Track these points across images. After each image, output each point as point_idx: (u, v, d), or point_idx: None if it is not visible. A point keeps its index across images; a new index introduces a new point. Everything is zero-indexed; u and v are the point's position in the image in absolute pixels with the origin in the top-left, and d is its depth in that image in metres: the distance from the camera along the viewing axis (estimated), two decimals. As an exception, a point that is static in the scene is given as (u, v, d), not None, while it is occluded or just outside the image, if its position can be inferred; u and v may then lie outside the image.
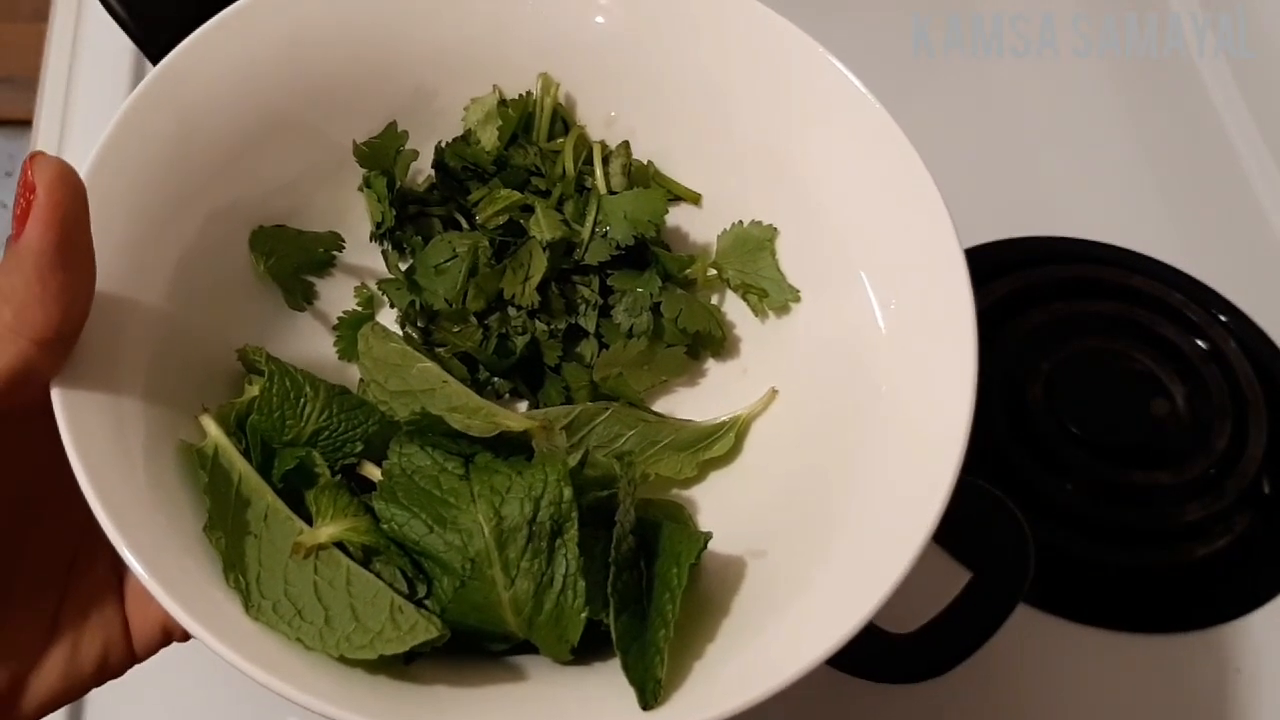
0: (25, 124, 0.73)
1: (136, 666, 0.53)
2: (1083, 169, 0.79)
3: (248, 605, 0.32)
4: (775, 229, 0.43)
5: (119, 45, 0.70)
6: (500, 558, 0.32)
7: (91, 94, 0.69)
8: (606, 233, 0.43)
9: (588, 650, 0.34)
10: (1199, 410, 0.65)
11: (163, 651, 0.53)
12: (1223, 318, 0.70)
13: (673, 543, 0.34)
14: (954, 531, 0.50)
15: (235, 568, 0.33)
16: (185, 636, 0.36)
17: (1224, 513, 0.62)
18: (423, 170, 0.46)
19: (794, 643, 0.32)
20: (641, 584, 0.34)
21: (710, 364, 0.44)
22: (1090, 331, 0.67)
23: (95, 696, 0.52)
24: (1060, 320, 0.67)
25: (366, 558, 0.34)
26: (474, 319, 0.43)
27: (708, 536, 0.35)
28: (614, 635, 0.32)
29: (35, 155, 0.30)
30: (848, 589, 0.33)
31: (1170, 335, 0.67)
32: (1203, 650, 0.60)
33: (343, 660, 0.32)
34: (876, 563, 0.33)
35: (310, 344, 0.43)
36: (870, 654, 0.43)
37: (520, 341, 0.42)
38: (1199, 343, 0.67)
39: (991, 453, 0.62)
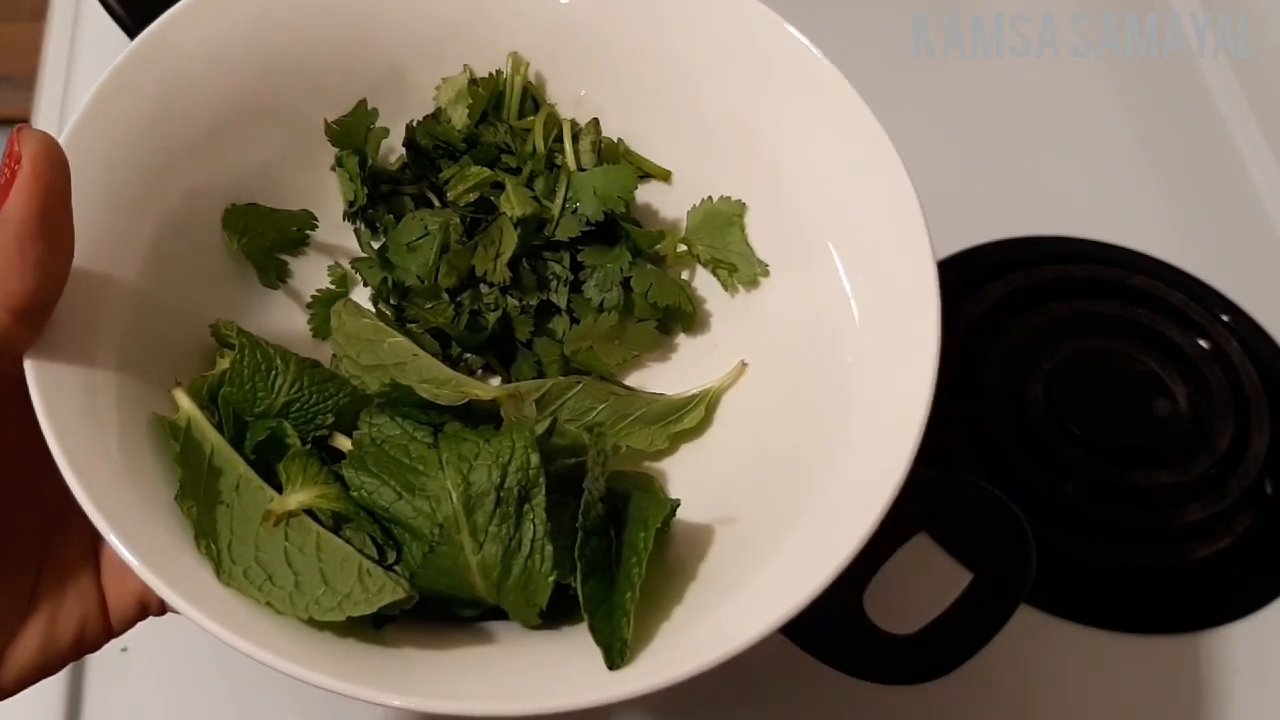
0: (23, 123, 0.73)
1: (135, 669, 0.53)
2: (1083, 169, 0.79)
3: (219, 571, 0.33)
4: (744, 204, 0.43)
5: (117, 44, 0.70)
6: (468, 523, 0.33)
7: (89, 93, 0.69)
8: (576, 209, 0.43)
9: (556, 615, 0.34)
10: (1200, 410, 0.65)
11: (160, 650, 0.53)
12: (1224, 317, 0.70)
13: (641, 509, 0.35)
14: (954, 532, 0.50)
15: (207, 535, 0.33)
16: (162, 610, 0.36)
17: (1225, 513, 0.62)
18: (395, 149, 0.46)
19: (754, 609, 0.33)
20: (611, 551, 0.34)
21: (681, 339, 0.45)
22: (1090, 331, 0.67)
23: (95, 695, 0.52)
24: (1060, 320, 0.67)
25: (337, 525, 0.35)
26: (446, 295, 0.43)
27: (675, 503, 0.35)
28: (581, 598, 0.33)
29: (22, 128, 0.31)
30: (806, 560, 0.33)
31: (1171, 335, 0.67)
32: (1203, 650, 0.60)
33: (312, 624, 0.32)
34: (834, 536, 0.34)
35: (284, 322, 0.43)
36: (870, 654, 0.43)
37: (492, 317, 0.43)
38: (1200, 342, 0.67)
39: (991, 453, 0.62)
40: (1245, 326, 0.70)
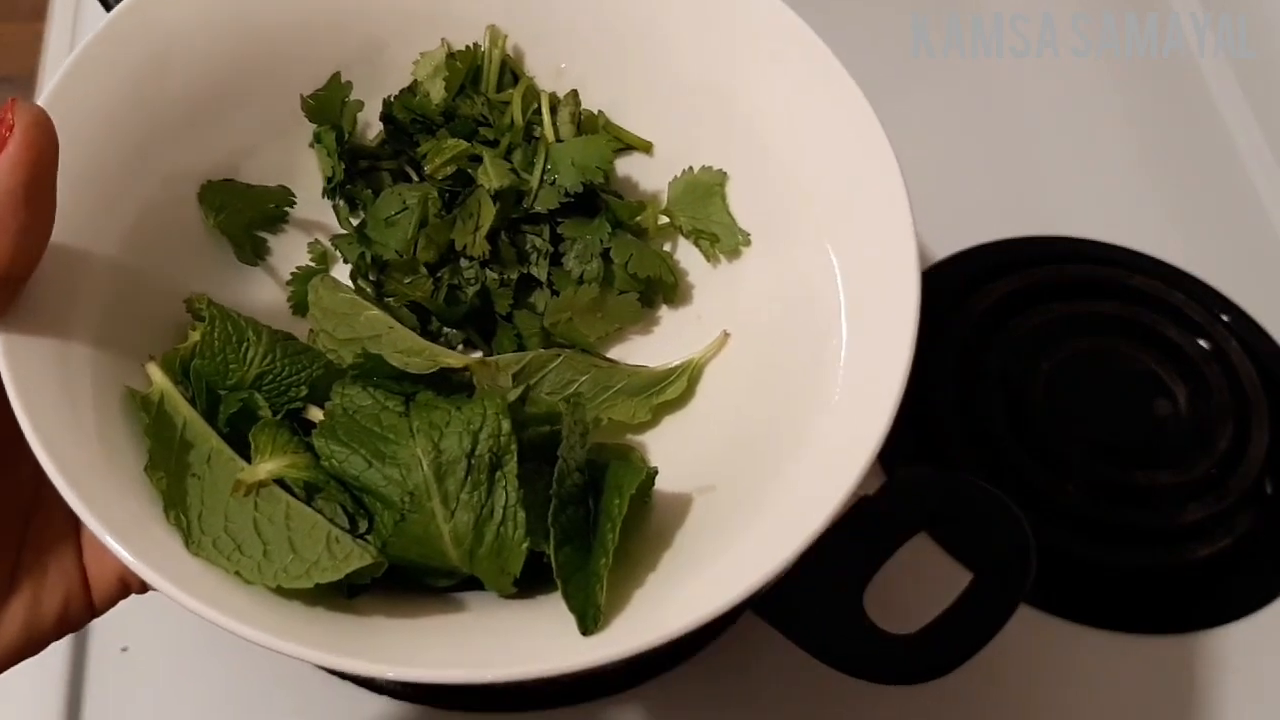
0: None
1: (135, 669, 0.53)
2: (1083, 169, 0.79)
3: (188, 541, 0.33)
4: (725, 174, 0.43)
5: (117, 44, 0.70)
6: (439, 490, 0.33)
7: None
8: (555, 180, 0.43)
9: (531, 585, 0.34)
10: (1200, 410, 0.65)
11: (160, 650, 0.53)
12: (1224, 317, 0.70)
13: (617, 476, 0.35)
14: (954, 532, 0.50)
15: (176, 505, 0.33)
16: (143, 588, 0.36)
17: (1225, 513, 0.62)
18: (373, 125, 0.46)
19: (727, 578, 0.33)
20: (589, 521, 0.34)
21: (663, 311, 0.44)
22: (1090, 331, 0.67)
23: (95, 695, 0.52)
24: (1060, 320, 0.67)
25: (308, 496, 0.35)
26: (425, 270, 0.43)
27: (653, 471, 0.35)
28: (554, 565, 0.32)
29: (15, 99, 0.31)
30: (780, 530, 0.34)
31: (1171, 335, 0.67)
32: (1203, 650, 0.60)
33: (282, 594, 0.32)
34: (808, 507, 0.34)
35: (264, 298, 0.43)
36: (870, 654, 0.43)
37: (471, 291, 0.43)
38: (1200, 342, 0.67)
39: (991, 453, 0.62)
40: (1245, 326, 0.70)
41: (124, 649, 0.53)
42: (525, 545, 0.33)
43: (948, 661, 0.44)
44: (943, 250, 0.72)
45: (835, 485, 0.34)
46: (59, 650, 0.52)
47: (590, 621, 0.32)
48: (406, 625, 0.34)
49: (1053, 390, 0.64)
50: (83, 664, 0.53)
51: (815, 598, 0.44)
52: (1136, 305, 0.68)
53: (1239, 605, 0.61)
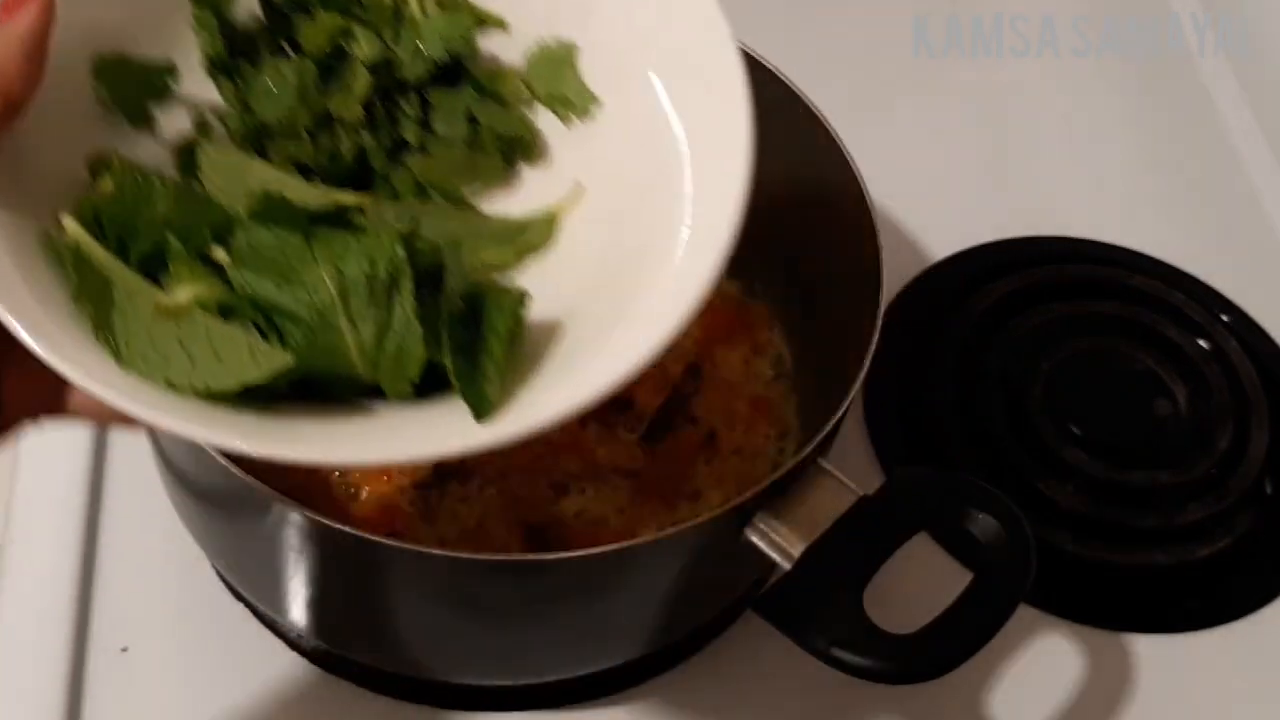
0: None
1: (135, 669, 0.53)
2: (1083, 169, 0.79)
3: (119, 359, 0.36)
4: (575, 45, 0.48)
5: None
6: (344, 308, 0.37)
7: None
8: (423, 50, 0.48)
9: (430, 393, 0.38)
10: (1200, 410, 0.65)
11: (160, 650, 0.53)
12: (1224, 317, 0.70)
13: (494, 296, 0.40)
14: (954, 532, 0.50)
15: (104, 329, 0.36)
16: (54, 408, 0.39)
17: (1225, 513, 0.62)
18: (252, 8, 0.49)
19: (605, 368, 0.38)
20: (474, 341, 0.39)
21: (524, 169, 0.49)
22: (1090, 331, 0.67)
23: (95, 695, 0.52)
24: (1060, 320, 0.67)
25: (223, 319, 0.38)
26: (306, 135, 0.47)
27: (526, 292, 0.40)
28: (449, 365, 0.37)
29: None
30: (645, 330, 0.38)
31: (1171, 335, 0.67)
32: (1203, 650, 0.60)
33: (211, 400, 0.36)
34: (669, 308, 0.38)
35: (152, 166, 0.46)
36: (871, 654, 0.43)
37: (349, 151, 0.47)
38: (1200, 342, 0.67)
39: (991, 453, 0.62)
40: (1245, 326, 0.70)
41: (124, 649, 0.53)
42: (422, 348, 0.37)
43: (948, 661, 0.44)
44: (943, 250, 0.72)
45: (695, 282, 0.38)
46: (59, 650, 0.52)
47: (485, 407, 0.37)
48: (323, 423, 0.38)
49: (1053, 390, 0.64)
50: (83, 664, 0.53)
51: (815, 598, 0.44)
52: (1136, 305, 0.68)
53: (1239, 605, 0.61)
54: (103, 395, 0.34)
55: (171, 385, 0.36)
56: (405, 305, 0.37)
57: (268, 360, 0.36)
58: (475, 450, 0.36)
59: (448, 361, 0.37)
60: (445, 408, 0.38)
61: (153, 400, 0.35)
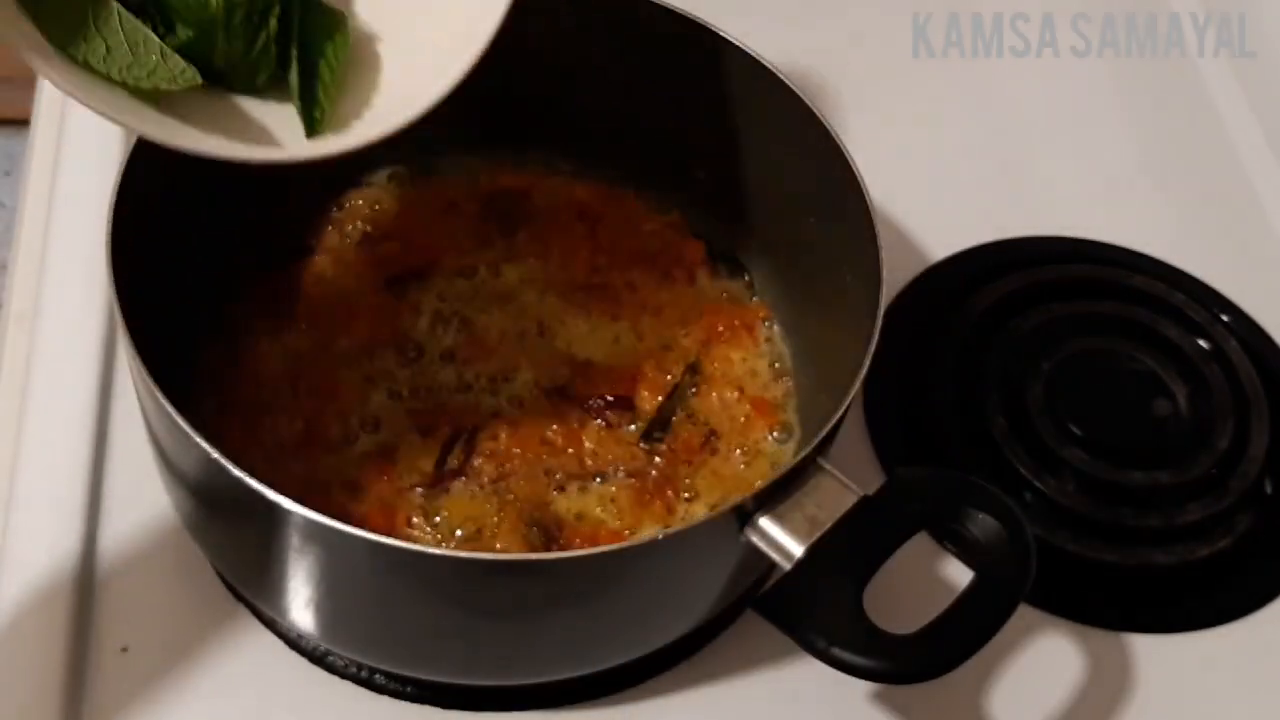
0: (24, 123, 0.73)
1: (135, 669, 0.53)
2: (1083, 169, 0.79)
3: (50, 38, 0.41)
4: None
5: (117, 44, 0.70)
6: (224, 22, 0.45)
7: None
8: None
9: (277, 95, 0.47)
10: (1200, 410, 0.65)
11: (160, 650, 0.53)
12: (1224, 317, 0.70)
13: (325, 19, 0.48)
14: (954, 532, 0.50)
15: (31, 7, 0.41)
16: None
17: (1225, 513, 0.62)
18: None
19: (421, 90, 0.45)
20: (313, 65, 0.47)
21: None
22: (1090, 331, 0.67)
23: (95, 695, 0.52)
24: (1060, 320, 0.67)
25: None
26: None
27: (345, 15, 0.48)
28: (292, 84, 0.46)
29: None
30: (453, 61, 0.45)
31: (1171, 335, 0.67)
32: (1203, 650, 0.60)
33: (127, 90, 0.42)
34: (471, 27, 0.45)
35: None
36: (870, 654, 0.43)
37: None
38: (1200, 342, 0.67)
39: (991, 453, 0.62)
40: (1245, 326, 0.70)
41: (124, 649, 0.53)
42: (273, 55, 0.46)
43: (948, 661, 0.44)
44: (943, 250, 0.72)
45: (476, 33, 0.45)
46: (59, 650, 0.52)
47: (316, 124, 0.45)
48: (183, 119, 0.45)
49: (1053, 390, 0.64)
50: (83, 664, 0.53)
51: (815, 598, 0.44)
52: (1136, 305, 0.68)
53: (1239, 605, 0.61)
54: (31, 62, 0.38)
55: (88, 66, 0.41)
56: (269, 31, 0.46)
57: (182, 74, 0.43)
58: (302, 160, 0.45)
59: (293, 79, 0.46)
60: (291, 118, 0.46)
61: (77, 79, 0.40)
